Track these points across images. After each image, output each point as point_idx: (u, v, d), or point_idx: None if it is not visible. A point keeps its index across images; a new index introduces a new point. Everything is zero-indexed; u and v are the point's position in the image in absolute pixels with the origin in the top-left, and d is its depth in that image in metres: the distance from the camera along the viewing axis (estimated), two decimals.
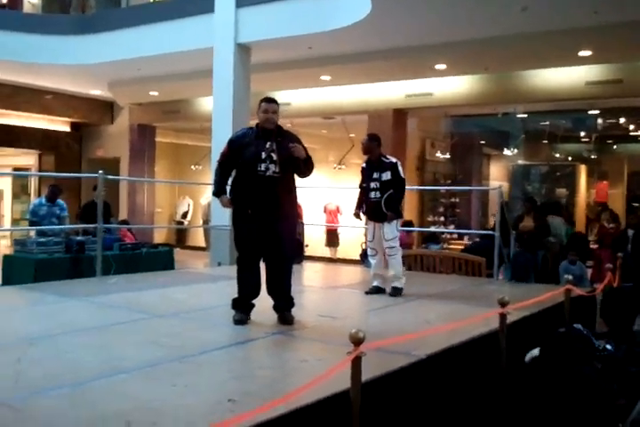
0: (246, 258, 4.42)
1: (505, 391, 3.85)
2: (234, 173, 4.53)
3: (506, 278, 7.59)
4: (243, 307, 4.43)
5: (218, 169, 4.58)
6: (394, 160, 5.78)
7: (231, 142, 4.49)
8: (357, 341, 2.61)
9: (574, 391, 3.19)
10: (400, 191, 5.76)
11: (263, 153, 4.30)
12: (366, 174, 5.82)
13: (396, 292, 5.72)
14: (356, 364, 2.62)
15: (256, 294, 4.45)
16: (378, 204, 5.67)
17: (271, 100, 4.48)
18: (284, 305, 4.48)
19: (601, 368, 3.39)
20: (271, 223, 4.31)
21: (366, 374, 2.82)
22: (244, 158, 4.32)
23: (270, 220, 4.31)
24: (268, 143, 4.35)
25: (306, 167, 4.48)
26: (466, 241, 13.56)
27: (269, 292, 4.49)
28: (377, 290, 5.83)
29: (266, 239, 4.33)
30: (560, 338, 3.82)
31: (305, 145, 4.48)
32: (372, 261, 5.93)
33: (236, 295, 4.45)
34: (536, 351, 3.90)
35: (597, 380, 3.30)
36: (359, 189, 5.94)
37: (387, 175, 5.67)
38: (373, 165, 5.78)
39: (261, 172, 4.28)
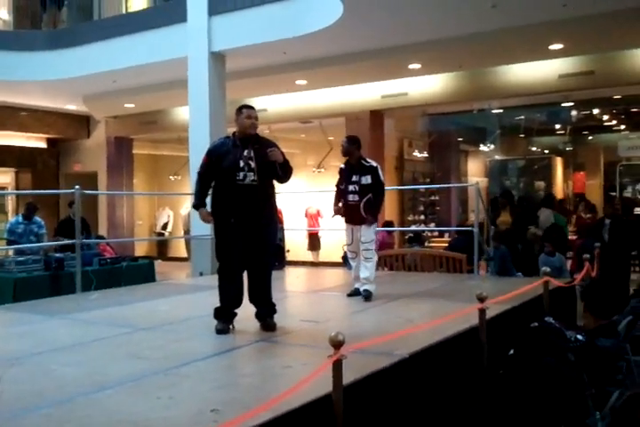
0: (229, 267, 4.41)
1: (487, 387, 3.88)
2: (213, 184, 4.51)
3: (490, 273, 7.66)
4: (225, 316, 4.42)
5: (198, 180, 4.54)
6: (374, 164, 5.75)
7: (210, 152, 4.49)
8: (337, 343, 2.63)
9: (545, 384, 3.23)
10: (380, 196, 5.72)
11: (241, 161, 4.33)
12: (345, 176, 5.78)
13: (368, 295, 5.63)
14: (337, 367, 2.63)
15: (239, 303, 4.45)
16: (356, 207, 5.63)
17: (252, 107, 4.57)
18: (266, 312, 4.49)
19: (574, 360, 3.43)
20: (253, 231, 4.34)
21: (349, 377, 2.83)
22: (222, 167, 4.34)
23: (252, 227, 4.34)
24: (246, 151, 4.38)
25: (284, 172, 4.49)
26: (447, 238, 13.65)
27: (252, 300, 4.49)
28: (358, 292, 5.80)
29: (249, 247, 4.35)
30: (532, 332, 3.86)
31: (284, 150, 4.52)
32: (353, 263, 5.92)
33: (217, 305, 4.45)
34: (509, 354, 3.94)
35: (567, 371, 3.34)
36: (335, 189, 5.92)
37: (367, 179, 5.63)
38: (353, 167, 5.73)
39: (240, 180, 4.30)
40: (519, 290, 4.93)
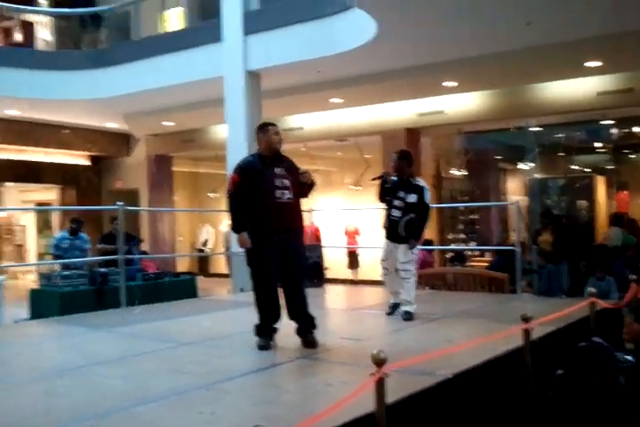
0: (268, 284, 4.44)
1: (534, 409, 3.81)
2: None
3: (533, 293, 7.54)
4: (266, 332, 4.45)
5: (232, 201, 4.46)
6: (422, 184, 5.57)
7: (242, 170, 4.46)
8: (380, 362, 2.62)
9: (598, 410, 3.15)
10: (424, 217, 5.56)
11: (276, 180, 4.42)
12: (391, 189, 5.57)
13: (409, 316, 5.49)
14: (380, 385, 2.62)
15: (278, 317, 4.48)
16: (397, 224, 5.49)
17: (275, 124, 4.65)
18: (307, 326, 4.50)
19: (625, 382, 3.35)
20: (290, 247, 4.43)
21: (391, 396, 2.82)
22: (261, 186, 4.37)
23: (290, 244, 4.43)
24: (277, 169, 4.47)
25: (310, 191, 4.68)
26: (488, 257, 13.47)
27: (292, 316, 4.51)
28: (396, 306, 5.68)
29: (286, 263, 4.42)
30: (581, 352, 3.78)
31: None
32: (385, 279, 5.76)
33: (257, 322, 4.48)
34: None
35: (621, 398, 3.26)
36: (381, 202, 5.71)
37: (412, 198, 5.47)
38: (403, 182, 5.56)
39: (278, 198, 4.38)
40: (564, 311, 4.84)
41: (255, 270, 4.47)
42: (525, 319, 3.90)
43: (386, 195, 5.61)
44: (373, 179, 5.75)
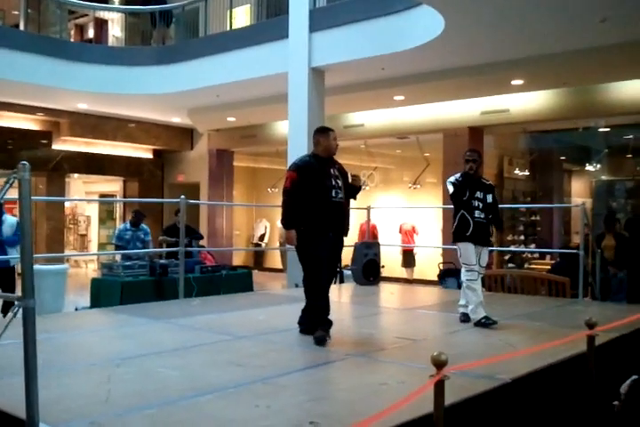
0: (321, 279, 4.60)
1: (596, 416, 3.68)
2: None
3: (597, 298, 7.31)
4: (324, 325, 4.52)
5: (288, 198, 4.61)
6: (490, 182, 5.55)
7: (299, 169, 4.63)
8: (440, 363, 2.56)
9: None
10: (500, 216, 5.55)
11: (332, 180, 4.66)
12: (466, 191, 5.30)
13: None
14: (439, 387, 2.57)
15: (329, 311, 4.63)
16: (484, 225, 5.32)
17: (334, 130, 4.87)
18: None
19: None
20: (339, 244, 4.77)
21: (449, 398, 2.76)
22: (319, 186, 4.58)
23: (339, 241, 4.76)
24: (332, 170, 4.70)
25: (357, 194, 4.94)
26: (548, 260, 13.15)
27: None
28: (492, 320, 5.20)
29: (332, 259, 4.73)
30: None
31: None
32: (477, 286, 5.26)
33: (312, 316, 4.58)
34: (629, 381, 3.68)
35: None
36: (458, 201, 5.35)
37: (490, 198, 5.38)
38: (474, 183, 5.37)
39: (333, 197, 4.62)
40: (630, 317, 4.65)
41: (312, 266, 4.58)
42: (590, 325, 3.76)
43: (462, 196, 5.33)
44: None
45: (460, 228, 5.31)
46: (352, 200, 4.97)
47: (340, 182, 4.68)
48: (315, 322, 4.55)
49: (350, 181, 4.84)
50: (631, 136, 13.02)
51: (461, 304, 5.47)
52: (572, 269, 7.12)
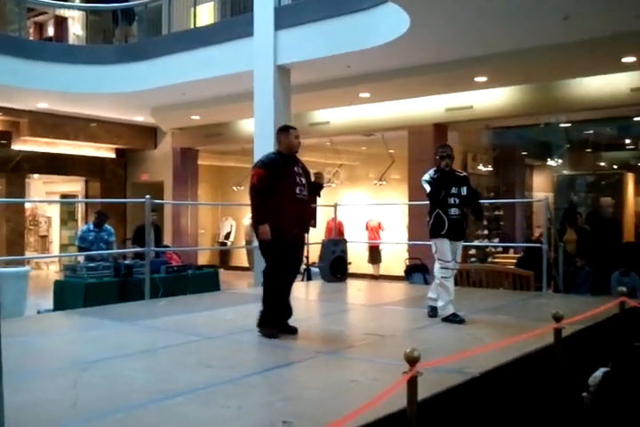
0: (285, 275, 4.68)
1: (564, 408, 3.74)
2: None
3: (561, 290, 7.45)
4: (274, 322, 4.65)
5: (257, 195, 4.63)
6: (464, 173, 5.57)
7: (266, 166, 4.67)
8: (413, 360, 2.57)
9: None
10: (480, 204, 5.61)
11: (297, 177, 4.73)
12: (442, 187, 5.30)
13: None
14: (412, 383, 2.58)
15: (291, 310, 4.78)
16: (459, 221, 5.34)
17: (295, 128, 4.94)
18: (289, 315, 4.78)
19: None
20: (302, 241, 4.86)
21: (420, 393, 2.77)
22: (285, 182, 4.63)
23: (302, 238, 4.85)
24: (296, 168, 4.76)
25: (320, 191, 5.05)
26: (511, 254, 13.35)
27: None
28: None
29: (296, 256, 4.80)
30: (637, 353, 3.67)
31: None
32: (450, 284, 5.31)
33: (264, 311, 4.69)
34: (599, 373, 3.74)
35: None
36: (434, 200, 5.35)
37: (465, 190, 5.38)
38: (449, 178, 5.35)
39: (298, 194, 4.68)
40: (597, 309, 4.74)
41: (276, 262, 4.65)
42: (557, 318, 3.82)
43: (438, 195, 5.31)
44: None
45: (435, 225, 5.32)
46: (318, 198, 5.08)
47: (303, 180, 4.76)
48: (265, 318, 4.65)
49: (313, 179, 4.93)
50: (591, 131, 13.29)
51: (431, 297, 5.47)
52: (537, 263, 7.24)
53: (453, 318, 5.19)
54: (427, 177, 5.38)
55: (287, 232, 4.61)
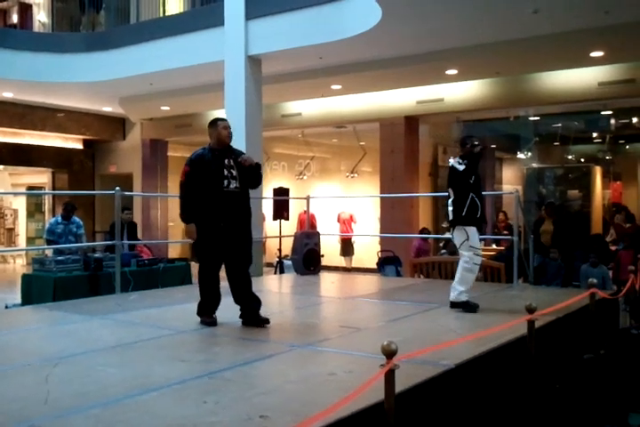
0: (214, 268, 4.80)
1: (537, 396, 3.79)
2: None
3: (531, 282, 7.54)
4: (211, 311, 4.86)
5: (184, 191, 4.74)
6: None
7: (191, 162, 4.75)
8: (390, 353, 2.57)
9: None
10: None
11: (225, 170, 4.70)
12: (472, 173, 5.43)
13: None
14: (390, 376, 2.58)
15: (219, 301, 4.91)
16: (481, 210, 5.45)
17: (225, 119, 4.98)
18: (257, 306, 4.82)
19: None
20: (237, 232, 4.74)
21: (397, 386, 2.78)
22: (209, 176, 4.66)
23: (237, 229, 4.73)
24: (226, 160, 4.74)
25: (258, 175, 4.90)
26: (482, 246, 13.46)
27: (238, 299, 4.84)
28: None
29: (233, 248, 4.72)
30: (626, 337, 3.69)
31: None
32: (477, 270, 5.44)
33: (200, 303, 4.89)
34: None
35: None
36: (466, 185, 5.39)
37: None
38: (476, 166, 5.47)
39: (225, 187, 4.68)
40: (569, 301, 4.81)
41: (204, 255, 4.78)
42: (530, 310, 3.86)
43: (470, 178, 5.41)
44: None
45: (470, 211, 5.30)
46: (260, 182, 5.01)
47: (234, 172, 4.72)
48: (203, 308, 4.88)
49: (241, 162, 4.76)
50: (559, 124, 13.44)
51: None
52: (508, 256, 7.32)
53: (466, 306, 5.25)
54: (458, 161, 5.40)
55: (212, 227, 4.66)
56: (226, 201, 4.67)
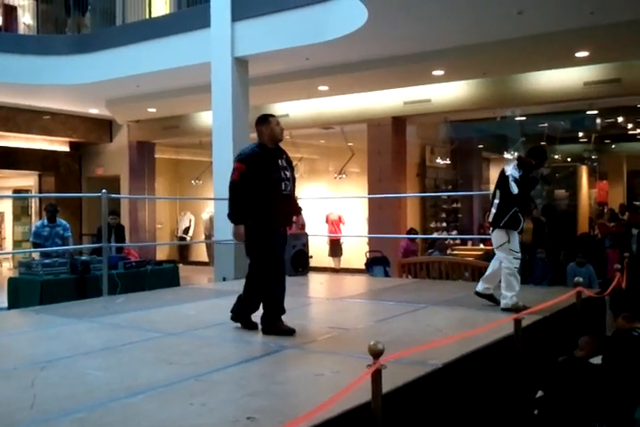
0: (279, 271, 4.48)
1: (523, 395, 3.81)
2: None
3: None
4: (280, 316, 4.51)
5: (236, 192, 4.36)
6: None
7: (246, 160, 4.36)
8: (377, 353, 2.57)
9: None
10: None
11: (281, 172, 4.41)
12: (529, 190, 5.47)
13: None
14: (377, 376, 2.59)
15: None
16: None
17: (274, 115, 4.62)
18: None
19: None
20: (286, 238, 4.63)
21: (384, 386, 2.78)
22: (269, 178, 4.32)
23: (286, 235, 4.62)
24: (280, 161, 4.45)
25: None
26: (470, 246, 13.54)
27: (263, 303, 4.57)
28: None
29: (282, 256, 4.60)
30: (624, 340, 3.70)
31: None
32: (518, 275, 5.40)
33: (271, 308, 4.50)
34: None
35: None
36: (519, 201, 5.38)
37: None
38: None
39: (284, 190, 4.41)
40: (555, 300, 4.83)
41: (263, 263, 4.43)
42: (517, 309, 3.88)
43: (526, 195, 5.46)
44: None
45: (513, 219, 5.31)
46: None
47: (288, 174, 4.45)
48: (278, 315, 4.49)
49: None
50: (546, 124, 13.55)
51: (487, 287, 5.56)
52: None
53: (517, 309, 5.16)
54: (515, 175, 5.31)
55: (275, 232, 4.42)
56: (285, 205, 4.44)
